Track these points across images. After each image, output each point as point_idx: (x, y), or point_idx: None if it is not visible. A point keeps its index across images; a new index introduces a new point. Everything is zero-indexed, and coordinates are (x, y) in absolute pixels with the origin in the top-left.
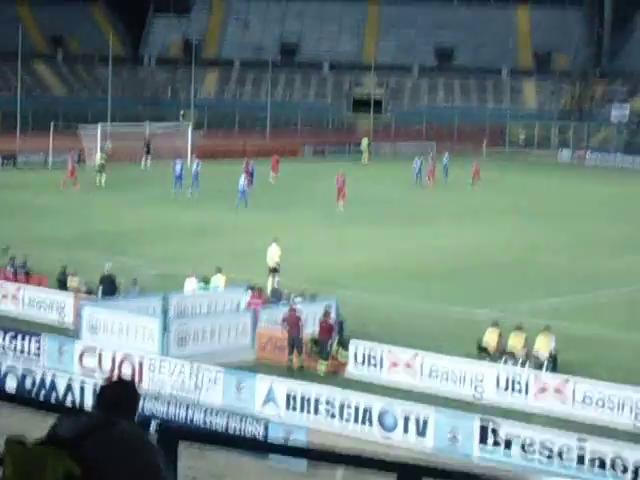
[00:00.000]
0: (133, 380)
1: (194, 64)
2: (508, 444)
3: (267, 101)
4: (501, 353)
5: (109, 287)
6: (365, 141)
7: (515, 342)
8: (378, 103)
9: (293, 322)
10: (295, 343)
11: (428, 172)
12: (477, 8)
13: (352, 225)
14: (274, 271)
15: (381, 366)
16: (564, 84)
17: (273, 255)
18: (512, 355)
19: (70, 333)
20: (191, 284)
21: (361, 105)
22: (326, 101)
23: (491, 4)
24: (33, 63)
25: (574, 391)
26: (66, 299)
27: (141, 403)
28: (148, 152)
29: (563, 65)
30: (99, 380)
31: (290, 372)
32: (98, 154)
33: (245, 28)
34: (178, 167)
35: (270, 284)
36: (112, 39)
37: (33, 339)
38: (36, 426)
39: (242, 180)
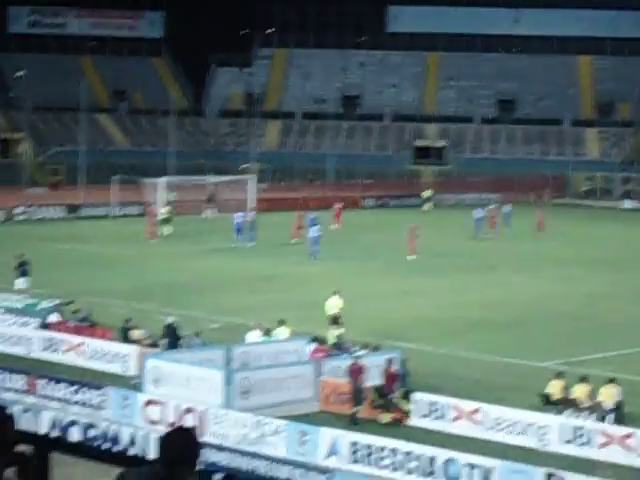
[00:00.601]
0: (193, 428)
1: (256, 116)
2: None
3: (329, 152)
4: (565, 404)
5: (172, 339)
6: (427, 192)
7: (580, 393)
8: (440, 153)
9: (356, 373)
10: (358, 394)
11: (489, 222)
12: (538, 57)
13: (415, 276)
14: (335, 322)
15: (444, 418)
16: (626, 133)
17: (334, 306)
18: (576, 406)
19: (134, 385)
20: (254, 336)
21: (423, 155)
22: (388, 152)
23: (553, 53)
24: (97, 116)
25: None
26: (130, 351)
27: (205, 454)
28: (210, 204)
29: (625, 114)
30: (163, 432)
31: (354, 423)
32: (164, 206)
33: (306, 80)
34: (239, 219)
35: (332, 335)
36: (175, 92)
37: (97, 391)
38: (100, 477)
39: (313, 232)
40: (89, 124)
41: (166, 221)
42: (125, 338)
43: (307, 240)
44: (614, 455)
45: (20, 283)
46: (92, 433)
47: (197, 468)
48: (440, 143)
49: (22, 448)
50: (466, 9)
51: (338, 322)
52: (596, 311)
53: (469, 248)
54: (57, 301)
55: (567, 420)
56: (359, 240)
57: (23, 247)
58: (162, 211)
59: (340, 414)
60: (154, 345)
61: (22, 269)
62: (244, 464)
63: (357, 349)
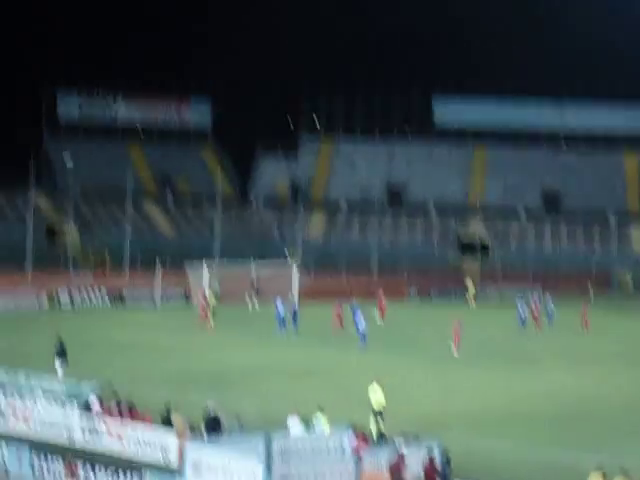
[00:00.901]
0: None
1: (301, 205)
2: None
3: (374, 243)
4: None
5: (213, 426)
6: (471, 284)
7: None
8: (484, 246)
9: (397, 467)
10: None
11: (532, 316)
12: (584, 152)
13: (458, 369)
14: (378, 414)
15: None
16: None
17: (376, 397)
18: None
19: (174, 472)
20: (294, 424)
21: (467, 247)
22: (432, 243)
23: (598, 148)
24: (142, 202)
25: None
26: (170, 438)
27: None
28: (254, 292)
29: None
30: None
31: None
32: (210, 294)
33: (352, 170)
34: (281, 307)
35: (374, 426)
36: (220, 180)
37: (136, 477)
38: None
39: (361, 323)
40: (135, 211)
41: (213, 309)
42: (165, 425)
43: (356, 330)
44: None
45: (57, 366)
46: None
47: None
48: (484, 237)
49: None
50: (512, 103)
51: (380, 413)
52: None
53: (512, 342)
54: (98, 387)
55: None
56: (402, 332)
57: (66, 332)
58: (210, 299)
59: None
60: (194, 432)
61: (59, 353)
62: None
63: (398, 441)
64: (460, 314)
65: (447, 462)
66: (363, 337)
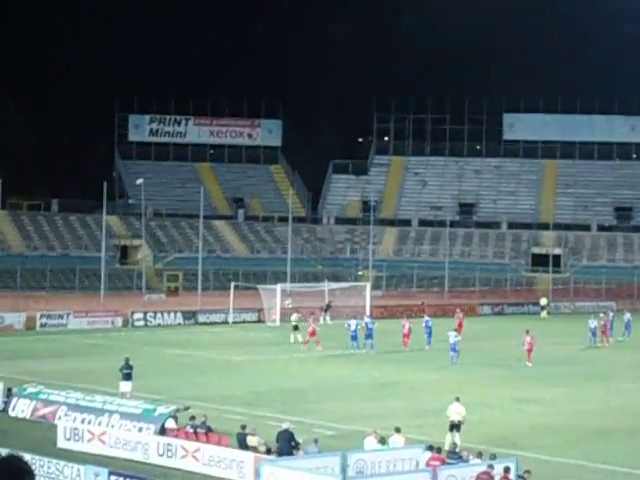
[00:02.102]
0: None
1: (372, 223)
2: None
3: (445, 260)
4: None
5: (287, 446)
6: (543, 299)
7: None
8: (557, 261)
9: None
10: None
11: (601, 331)
12: None
13: (531, 383)
14: (457, 429)
15: None
16: None
17: (456, 413)
18: None
19: None
20: (371, 443)
21: (539, 263)
22: (504, 259)
23: None
24: (214, 223)
25: None
26: (245, 458)
27: None
28: (327, 310)
29: None
30: None
31: None
32: (295, 314)
33: (423, 187)
34: (353, 326)
35: (449, 440)
36: (292, 199)
37: None
38: None
39: (453, 337)
40: (207, 231)
41: (295, 328)
42: (241, 444)
43: (427, 343)
44: None
45: (123, 386)
46: None
47: None
48: (557, 251)
49: None
50: (582, 117)
51: (459, 429)
52: None
53: (586, 356)
54: (174, 407)
55: None
56: (476, 347)
57: (137, 353)
58: (292, 318)
59: None
60: (270, 452)
61: (125, 373)
62: None
63: (489, 458)
64: (533, 328)
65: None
66: (454, 351)
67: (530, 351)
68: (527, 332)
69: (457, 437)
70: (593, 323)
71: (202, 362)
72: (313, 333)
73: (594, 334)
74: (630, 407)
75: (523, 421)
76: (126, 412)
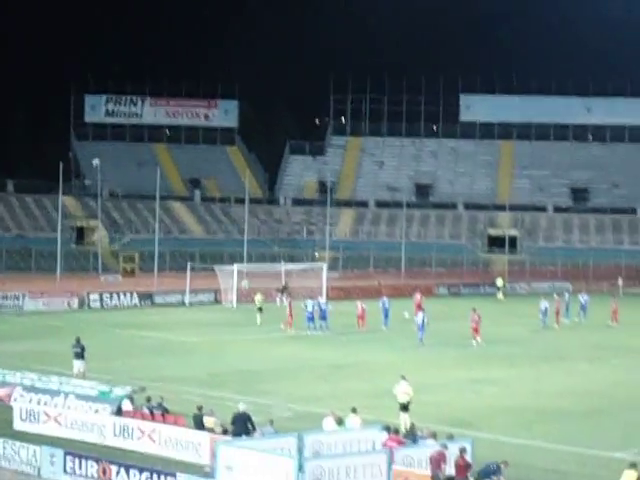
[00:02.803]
0: None
1: (329, 204)
2: None
3: (402, 241)
4: None
5: (243, 427)
6: (500, 280)
7: None
8: (513, 242)
9: (438, 462)
10: None
11: (555, 313)
12: (611, 146)
13: (487, 364)
14: (405, 409)
15: None
16: None
17: (403, 393)
18: None
19: (206, 473)
20: (329, 424)
21: (495, 244)
22: (460, 240)
23: (625, 142)
24: (171, 204)
25: None
26: (202, 439)
27: None
28: (284, 292)
29: None
30: None
31: None
32: (258, 295)
33: (379, 168)
34: (309, 307)
35: (402, 422)
36: (248, 180)
37: (169, 479)
38: None
39: (421, 317)
40: (163, 212)
41: (260, 309)
42: (198, 425)
43: (384, 325)
44: None
45: (76, 366)
46: None
47: None
48: (513, 232)
49: None
50: (538, 98)
51: (408, 409)
52: None
53: (542, 337)
54: (130, 388)
55: None
56: (432, 328)
57: (93, 334)
58: (257, 299)
59: None
60: (226, 432)
61: (76, 352)
62: None
63: (429, 438)
64: (486, 310)
65: (498, 468)
66: (422, 330)
67: (477, 329)
68: (474, 310)
69: (404, 415)
70: (544, 304)
71: (158, 343)
72: (290, 314)
73: (545, 315)
74: (586, 388)
75: (479, 402)
76: (82, 393)
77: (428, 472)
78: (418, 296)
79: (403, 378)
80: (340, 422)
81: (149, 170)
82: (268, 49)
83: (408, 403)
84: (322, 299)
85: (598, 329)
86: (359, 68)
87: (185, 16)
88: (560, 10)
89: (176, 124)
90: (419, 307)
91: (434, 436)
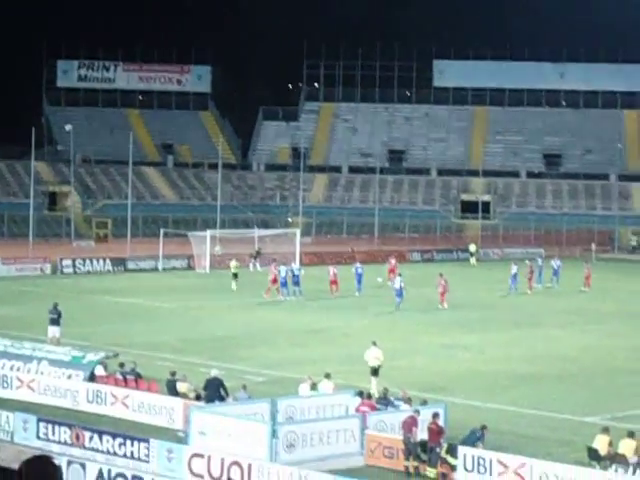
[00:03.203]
0: (51, 458)
1: (302, 170)
2: None
3: (375, 206)
4: (612, 460)
5: (215, 392)
6: (473, 246)
7: (626, 448)
8: (486, 208)
9: (410, 426)
10: (409, 447)
11: (527, 278)
12: (584, 112)
13: (460, 330)
14: (375, 374)
15: (490, 473)
16: None
17: (374, 358)
18: (623, 462)
19: (179, 438)
20: (305, 389)
21: (469, 210)
22: (434, 206)
23: (598, 108)
24: (144, 169)
25: None
26: (175, 404)
27: None
28: (257, 257)
29: None
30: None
31: (402, 477)
32: (234, 261)
33: (353, 134)
34: (283, 272)
35: (373, 387)
36: (222, 145)
37: (142, 444)
38: None
39: (397, 283)
40: (136, 177)
41: (235, 276)
42: (171, 391)
43: (358, 291)
44: None
45: (51, 331)
46: None
47: None
48: (486, 197)
49: None
50: (511, 64)
51: (378, 374)
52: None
53: (514, 302)
54: (103, 354)
55: (614, 476)
56: (405, 294)
57: (66, 299)
58: (232, 265)
59: (385, 468)
60: (200, 398)
61: (51, 318)
62: None
63: (401, 403)
64: (459, 275)
65: (482, 435)
66: (400, 296)
67: (443, 294)
68: (440, 275)
69: (374, 382)
70: (514, 269)
71: (132, 309)
72: (275, 280)
73: (515, 280)
74: (557, 353)
75: (452, 367)
76: (55, 359)
77: (401, 437)
78: (393, 261)
79: (374, 344)
80: (314, 387)
81: (122, 135)
82: (241, 15)
83: (379, 367)
84: (295, 265)
85: (571, 294)
86: (332, 34)
87: None
88: None
89: (149, 89)
90: (393, 272)
91: (409, 401)
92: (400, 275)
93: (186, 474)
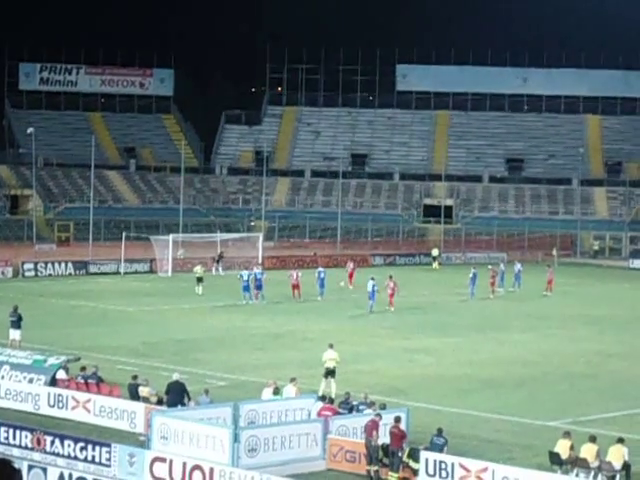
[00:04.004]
0: (10, 461)
1: (265, 174)
2: None
3: (338, 210)
4: (573, 464)
5: (177, 396)
6: (435, 250)
7: (587, 453)
8: (448, 212)
9: (371, 430)
10: (371, 452)
11: (490, 283)
12: (547, 117)
13: (421, 334)
14: (331, 375)
15: (452, 477)
16: (635, 193)
17: (330, 359)
18: (585, 466)
19: (141, 442)
20: (269, 394)
21: (431, 214)
22: (396, 210)
23: (561, 113)
24: (106, 173)
25: None
26: (137, 408)
27: None
28: (219, 261)
29: (634, 173)
30: None
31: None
32: (198, 266)
33: (315, 138)
34: (245, 276)
35: (332, 387)
36: (184, 149)
37: (104, 449)
38: None
39: (371, 285)
40: (98, 181)
41: (199, 280)
42: (133, 395)
43: (320, 295)
44: None
45: (12, 334)
46: None
47: None
48: (449, 202)
49: None
50: (474, 68)
51: (334, 375)
52: (603, 370)
53: (476, 307)
54: (65, 358)
55: None
56: (367, 298)
57: (28, 303)
58: (196, 270)
59: (347, 472)
60: (161, 402)
61: (12, 321)
62: None
63: (364, 407)
64: (421, 280)
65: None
66: (372, 299)
67: (392, 296)
68: (390, 277)
69: (333, 383)
70: (472, 273)
71: (93, 313)
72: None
73: (473, 284)
74: (519, 357)
75: (414, 371)
76: (16, 363)
77: (363, 441)
78: (351, 265)
79: (330, 347)
80: (277, 392)
81: (84, 139)
82: (204, 18)
83: (334, 369)
84: (258, 269)
85: (533, 299)
86: (296, 38)
87: None
88: None
89: (111, 92)
90: (350, 277)
91: (371, 405)
92: (373, 279)
93: (148, 478)
